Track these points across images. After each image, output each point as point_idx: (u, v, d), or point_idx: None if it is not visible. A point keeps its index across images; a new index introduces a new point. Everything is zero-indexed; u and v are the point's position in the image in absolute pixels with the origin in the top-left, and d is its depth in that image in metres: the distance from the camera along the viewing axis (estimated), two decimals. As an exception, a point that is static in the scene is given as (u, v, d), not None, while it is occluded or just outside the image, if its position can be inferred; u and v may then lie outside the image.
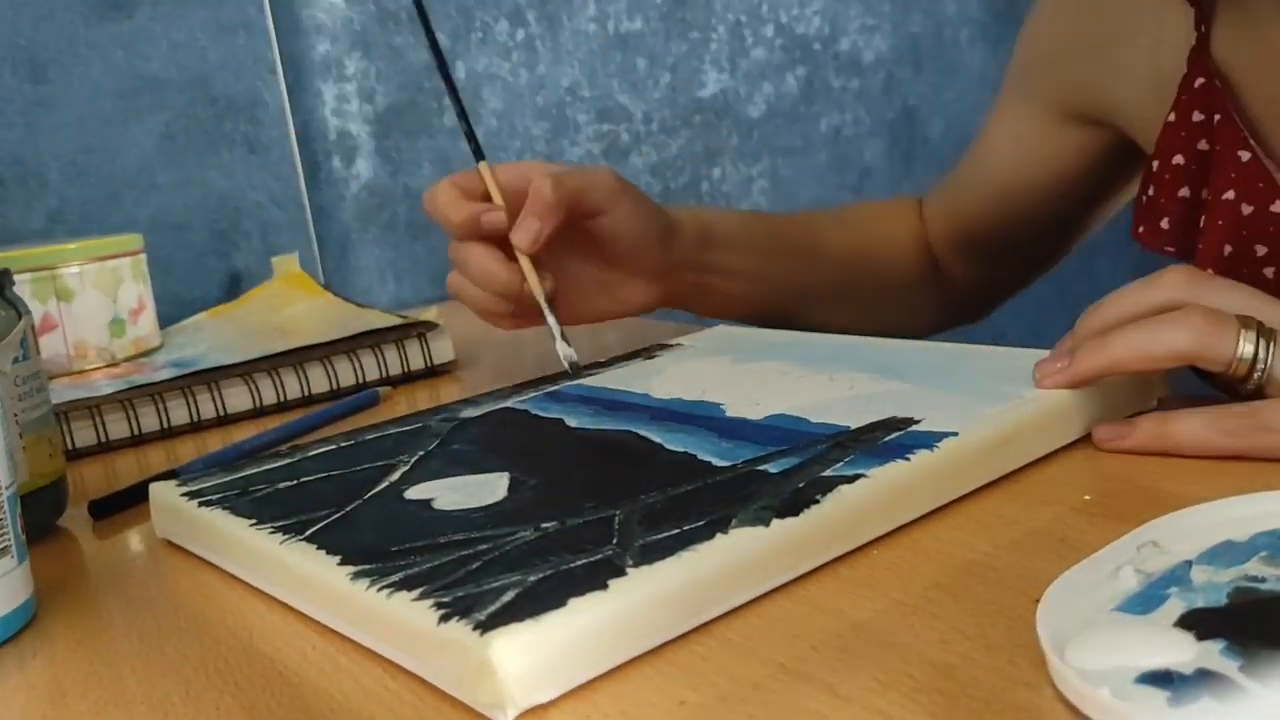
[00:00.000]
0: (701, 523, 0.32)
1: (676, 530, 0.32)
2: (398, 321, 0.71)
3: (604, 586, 0.29)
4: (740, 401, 0.45)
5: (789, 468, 0.37)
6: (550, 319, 0.56)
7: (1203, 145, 0.56)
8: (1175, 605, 0.27)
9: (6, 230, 0.91)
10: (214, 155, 0.99)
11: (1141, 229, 0.60)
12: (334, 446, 0.47)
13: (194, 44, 0.97)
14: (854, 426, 0.40)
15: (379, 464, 0.43)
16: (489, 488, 0.39)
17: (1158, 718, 0.23)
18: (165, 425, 0.63)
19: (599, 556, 0.31)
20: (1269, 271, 0.54)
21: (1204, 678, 0.24)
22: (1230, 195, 0.54)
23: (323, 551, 0.34)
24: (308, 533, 0.36)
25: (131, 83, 0.95)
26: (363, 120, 1.06)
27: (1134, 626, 0.26)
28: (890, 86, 1.35)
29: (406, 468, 0.42)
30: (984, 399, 0.41)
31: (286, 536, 0.36)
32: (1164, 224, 0.58)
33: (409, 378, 0.70)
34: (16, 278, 0.52)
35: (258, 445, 0.56)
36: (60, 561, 0.44)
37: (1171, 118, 0.57)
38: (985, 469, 0.38)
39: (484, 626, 0.27)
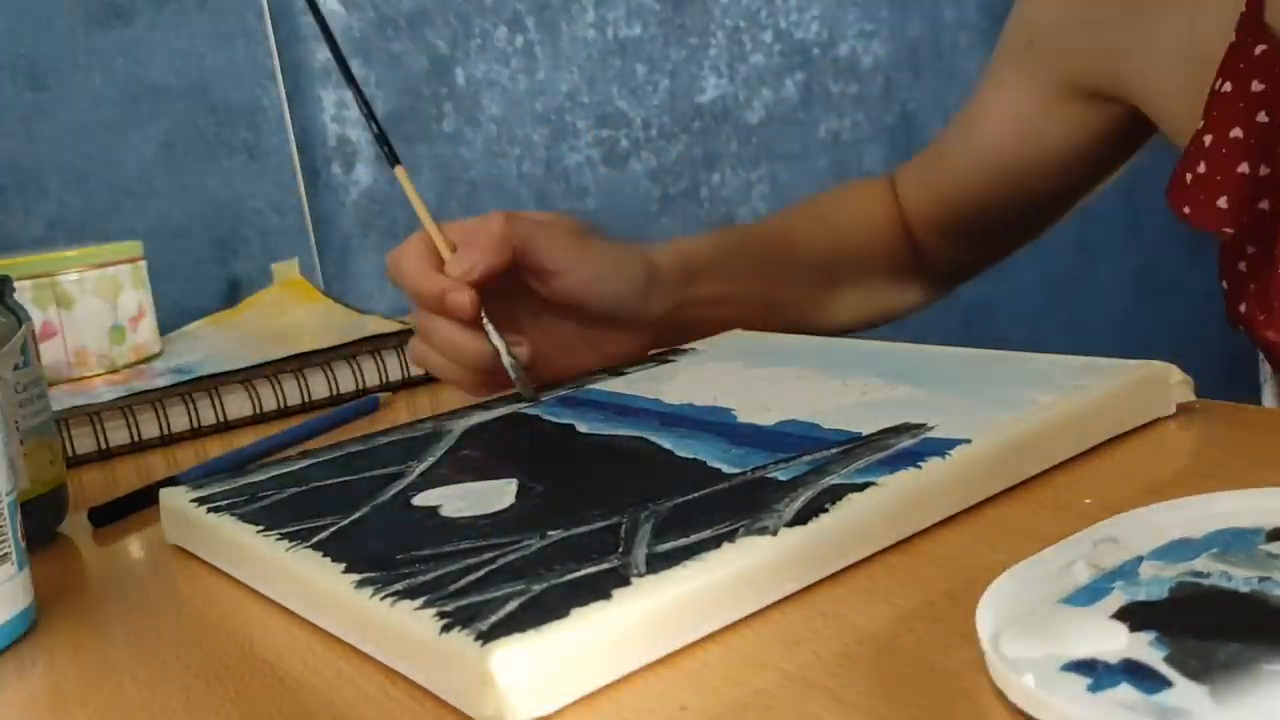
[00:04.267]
0: (708, 532, 0.32)
1: (683, 539, 0.32)
2: (398, 327, 0.71)
3: (608, 596, 0.29)
4: (752, 407, 0.45)
5: (798, 475, 0.36)
6: (514, 378, 0.52)
7: (1262, 118, 0.52)
8: (1117, 598, 0.27)
9: (6, 237, 0.91)
10: (214, 162, 0.99)
11: (1188, 209, 0.55)
12: (344, 452, 0.47)
13: (193, 51, 0.98)
14: (866, 433, 0.39)
15: (388, 470, 0.43)
16: (497, 495, 0.38)
17: (1074, 704, 0.23)
18: (165, 432, 0.63)
19: (604, 566, 0.31)
20: None
21: (1128, 667, 0.24)
22: None
23: (328, 559, 0.34)
24: (313, 540, 0.36)
25: (131, 90, 0.95)
26: (362, 126, 1.06)
27: (1070, 617, 0.27)
28: (889, 91, 1.36)
29: (415, 474, 0.42)
30: (999, 405, 0.40)
31: (292, 544, 0.36)
32: (1221, 203, 0.54)
33: (409, 384, 0.70)
34: (16, 284, 0.52)
35: (258, 451, 0.56)
36: (60, 569, 0.44)
37: (1227, 87, 0.53)
38: (998, 477, 0.38)
39: (485, 637, 0.27)
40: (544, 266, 0.53)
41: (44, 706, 0.32)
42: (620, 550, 0.32)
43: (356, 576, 0.32)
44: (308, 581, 0.34)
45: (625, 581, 0.29)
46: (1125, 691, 0.23)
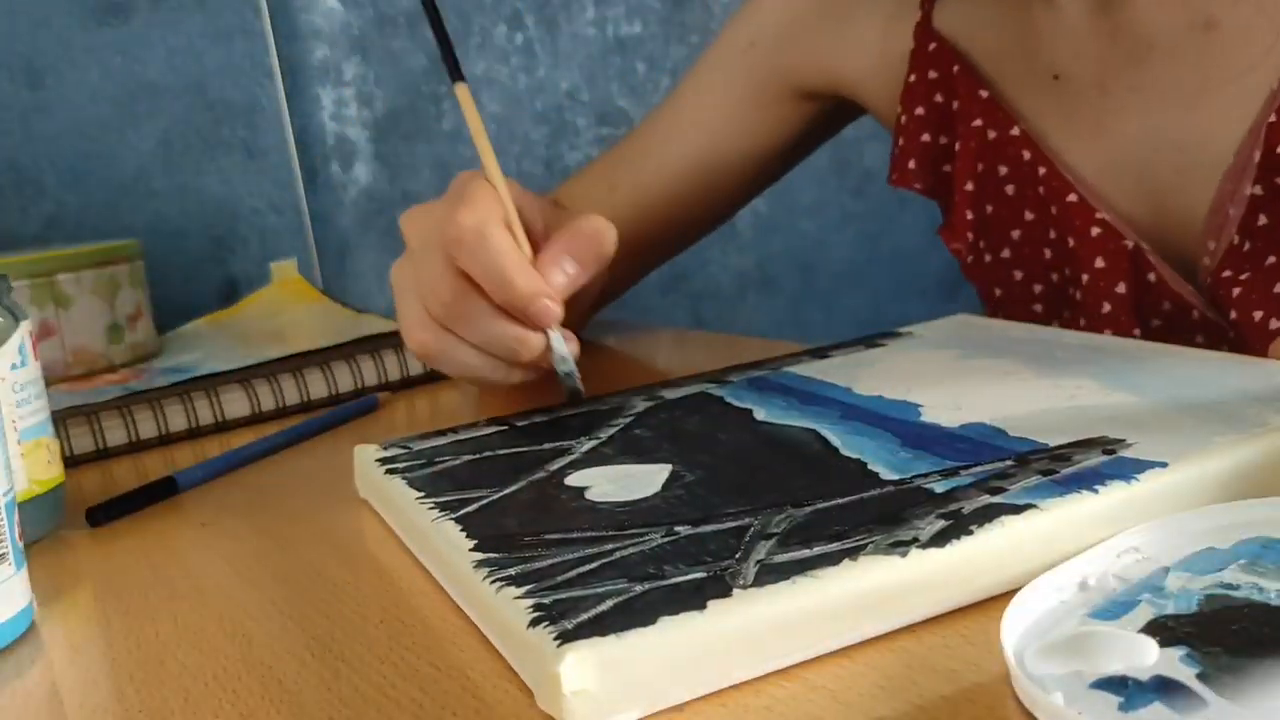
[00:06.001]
0: (835, 545, 0.30)
1: (805, 550, 0.30)
2: (396, 327, 0.71)
3: (702, 607, 0.27)
4: (942, 405, 0.41)
5: (957, 488, 0.33)
6: (578, 384, 0.50)
7: (938, 98, 0.66)
8: (1145, 611, 0.27)
9: (4, 236, 0.91)
10: (212, 161, 0.99)
11: (895, 176, 0.68)
12: (528, 422, 0.47)
13: (191, 50, 0.97)
14: (1052, 445, 0.35)
15: (559, 444, 0.43)
16: (646, 480, 0.38)
17: None
18: (163, 432, 0.62)
19: (714, 572, 0.29)
20: (1009, 189, 0.64)
21: (1159, 684, 0.23)
22: (978, 123, 0.64)
23: (464, 534, 0.34)
24: (460, 512, 0.37)
25: (129, 88, 0.95)
26: (361, 125, 1.06)
27: (1099, 632, 0.26)
28: (889, 90, 1.35)
29: (581, 451, 0.42)
30: (1221, 423, 0.35)
31: (441, 514, 0.37)
32: (911, 165, 0.68)
33: (408, 383, 0.69)
34: (14, 284, 0.51)
35: (257, 452, 0.56)
36: (58, 569, 0.44)
37: (912, 78, 0.67)
38: (1194, 508, 0.32)
39: (566, 637, 0.26)
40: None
41: (42, 707, 0.32)
42: (736, 556, 0.30)
43: (479, 556, 0.33)
44: (441, 555, 0.35)
45: (726, 592, 0.28)
46: (1158, 711, 0.22)
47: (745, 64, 0.73)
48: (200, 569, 0.41)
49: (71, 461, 0.60)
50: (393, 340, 0.69)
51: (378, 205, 1.08)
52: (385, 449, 0.45)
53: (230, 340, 0.78)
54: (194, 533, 0.46)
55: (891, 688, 0.26)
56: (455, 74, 0.49)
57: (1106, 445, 0.35)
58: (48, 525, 0.47)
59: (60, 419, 0.59)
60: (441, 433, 0.47)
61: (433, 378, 0.70)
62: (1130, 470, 0.32)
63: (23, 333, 0.45)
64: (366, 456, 0.45)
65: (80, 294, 0.71)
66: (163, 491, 0.50)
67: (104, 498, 0.49)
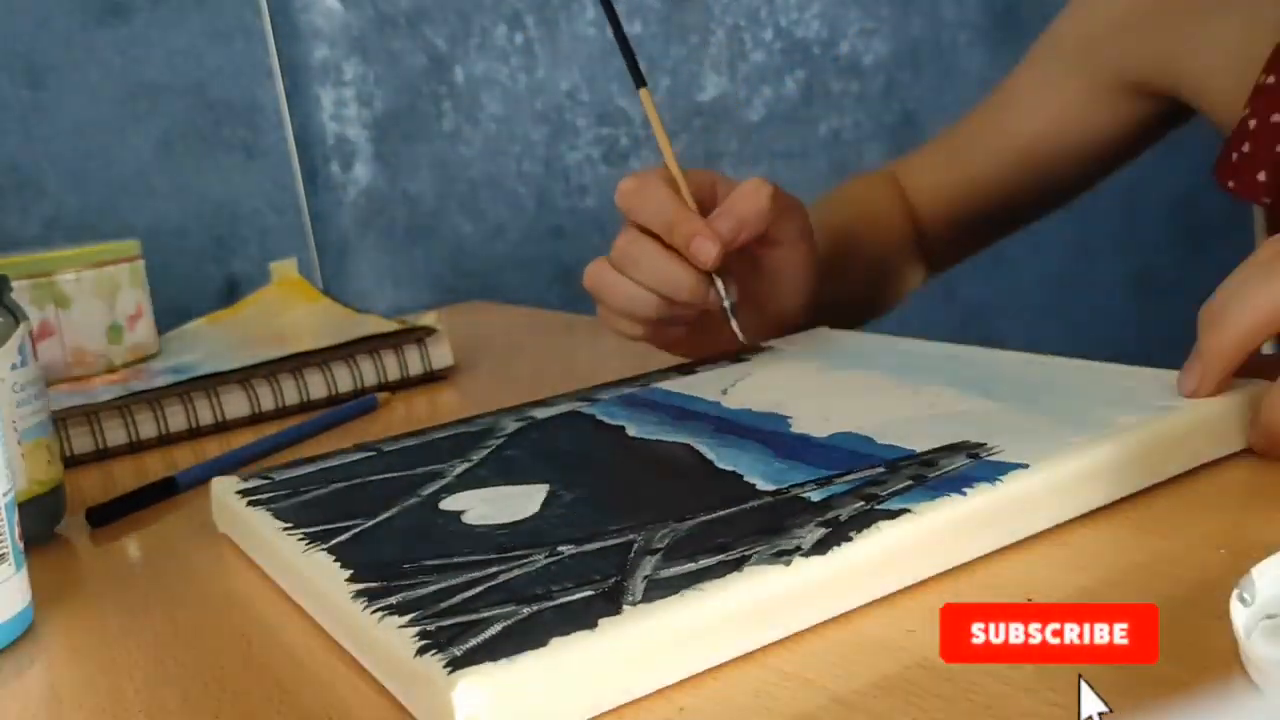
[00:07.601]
0: (719, 557, 0.30)
1: (691, 564, 0.30)
2: (396, 327, 0.71)
3: (593, 626, 0.27)
4: (810, 416, 0.42)
5: (833, 496, 0.34)
6: (735, 326, 0.54)
7: None
8: None
9: (4, 236, 0.91)
10: (212, 161, 0.99)
11: (1232, 183, 0.62)
12: (397, 446, 0.46)
13: (192, 50, 0.97)
14: (920, 450, 0.36)
15: (431, 468, 0.42)
16: (523, 501, 0.37)
17: None
18: (163, 432, 0.62)
19: (601, 590, 0.29)
20: None
21: None
22: None
23: (337, 564, 0.34)
24: (332, 542, 0.36)
25: (129, 89, 0.95)
26: (361, 125, 1.06)
27: None
28: (890, 90, 1.35)
29: (454, 475, 0.41)
30: (1074, 425, 0.36)
31: (310, 545, 0.36)
32: (1260, 177, 0.61)
33: (407, 383, 0.69)
34: (14, 284, 0.51)
35: (256, 452, 0.56)
36: (58, 569, 0.44)
37: (1270, 80, 0.60)
38: (1058, 507, 0.34)
39: (456, 664, 0.26)
40: (779, 238, 0.55)
41: (41, 708, 0.32)
42: (624, 573, 0.30)
43: (357, 586, 0.32)
44: (314, 587, 0.34)
45: (616, 609, 0.28)
46: None
47: (1077, 60, 0.71)
48: (200, 569, 0.41)
49: (71, 461, 0.60)
50: (392, 340, 0.69)
51: (378, 205, 1.08)
52: (245, 480, 0.44)
53: (230, 340, 0.78)
54: (194, 533, 0.46)
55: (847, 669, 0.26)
56: (638, 80, 0.57)
57: (970, 450, 0.36)
58: (48, 525, 0.47)
59: (60, 419, 0.59)
60: (307, 461, 0.46)
61: (432, 377, 0.70)
62: (995, 472, 0.33)
63: (23, 333, 0.45)
64: (225, 489, 0.43)
65: (80, 294, 0.71)
66: (163, 491, 0.51)
67: (104, 498, 0.49)
